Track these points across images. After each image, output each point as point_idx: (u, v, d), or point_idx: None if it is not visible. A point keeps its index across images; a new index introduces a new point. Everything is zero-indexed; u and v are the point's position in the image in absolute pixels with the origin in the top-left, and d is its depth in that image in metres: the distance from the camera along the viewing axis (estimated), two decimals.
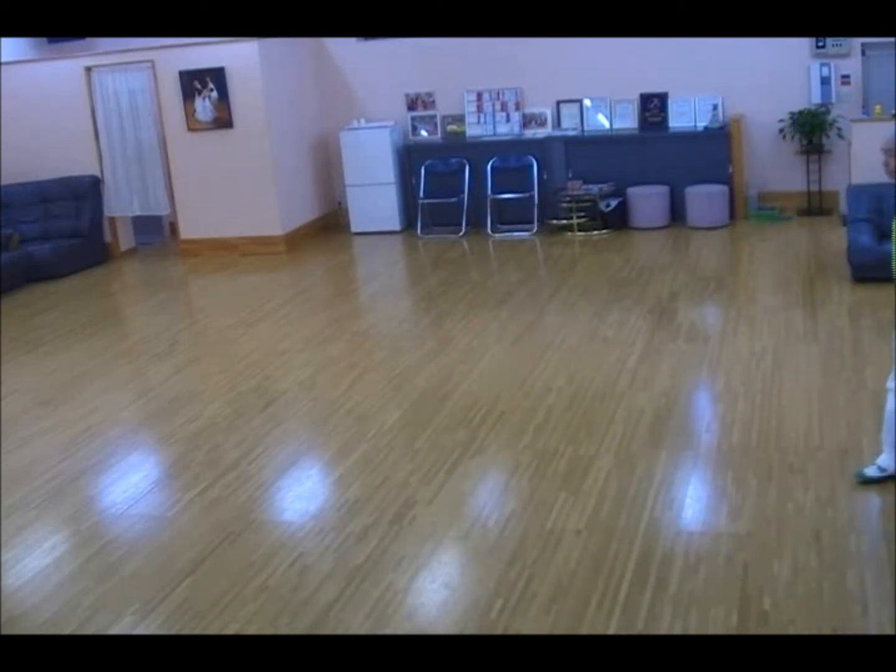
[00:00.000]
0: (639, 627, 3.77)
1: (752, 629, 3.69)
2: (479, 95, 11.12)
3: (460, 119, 11.25)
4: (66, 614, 4.19)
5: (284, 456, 5.60)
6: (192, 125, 10.68)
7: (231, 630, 3.98)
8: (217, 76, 10.46)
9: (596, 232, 10.30)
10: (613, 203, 10.32)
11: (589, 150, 10.67)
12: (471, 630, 3.85)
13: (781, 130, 10.17)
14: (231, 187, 10.74)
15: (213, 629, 4.00)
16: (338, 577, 4.28)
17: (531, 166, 10.76)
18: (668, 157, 10.38)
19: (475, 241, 10.64)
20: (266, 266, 10.37)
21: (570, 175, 10.57)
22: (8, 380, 7.26)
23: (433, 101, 11.32)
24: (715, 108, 10.38)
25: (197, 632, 3.99)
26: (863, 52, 9.99)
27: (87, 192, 10.98)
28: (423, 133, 11.42)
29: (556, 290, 8.45)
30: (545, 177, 10.72)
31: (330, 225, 11.68)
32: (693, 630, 3.72)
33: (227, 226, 10.88)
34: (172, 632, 4.01)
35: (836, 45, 10.04)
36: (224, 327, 8.23)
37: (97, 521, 5.04)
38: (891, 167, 4.50)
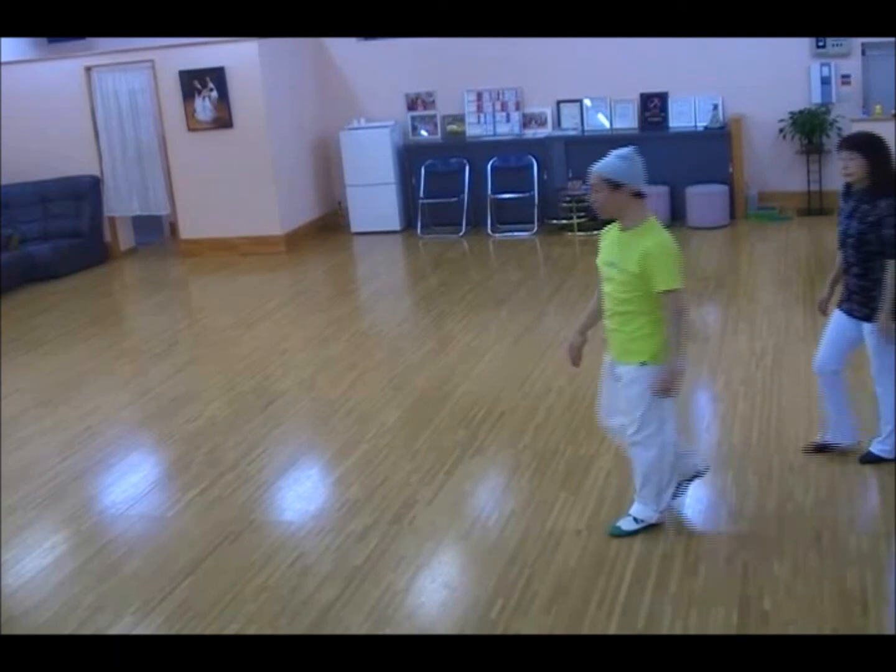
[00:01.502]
0: (639, 627, 3.77)
1: (752, 629, 3.69)
2: (479, 95, 11.12)
3: (460, 119, 11.25)
4: (66, 614, 4.19)
5: (284, 456, 5.60)
6: (192, 125, 10.68)
7: (231, 630, 3.98)
8: (217, 76, 10.46)
9: (596, 232, 10.25)
10: None
11: (589, 150, 10.59)
12: (471, 630, 3.85)
13: (781, 130, 10.17)
14: (231, 187, 10.73)
15: (213, 629, 4.00)
16: (338, 577, 4.28)
17: (531, 166, 10.76)
18: (668, 157, 10.36)
19: (475, 241, 10.63)
20: (266, 266, 10.37)
21: (570, 175, 10.57)
22: (8, 380, 7.25)
23: (433, 101, 11.31)
24: (715, 108, 10.37)
25: (197, 632, 3.99)
26: (863, 52, 9.99)
27: (87, 192, 10.98)
28: (423, 133, 11.42)
29: (556, 290, 8.44)
30: (545, 177, 10.72)
31: (330, 225, 11.67)
32: (693, 630, 3.72)
33: (227, 226, 10.87)
34: (172, 632, 4.01)
35: (836, 45, 10.04)
36: (224, 327, 8.23)
37: (97, 521, 5.04)
38: (613, 202, 4.12)
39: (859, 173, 4.55)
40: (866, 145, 4.57)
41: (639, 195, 4.15)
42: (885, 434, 4.82)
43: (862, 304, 4.66)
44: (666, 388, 4.14)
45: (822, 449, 5.00)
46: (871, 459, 4.83)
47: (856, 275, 4.67)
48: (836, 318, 4.85)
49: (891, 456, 4.80)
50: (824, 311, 5.03)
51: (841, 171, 4.62)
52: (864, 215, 4.55)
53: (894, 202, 4.49)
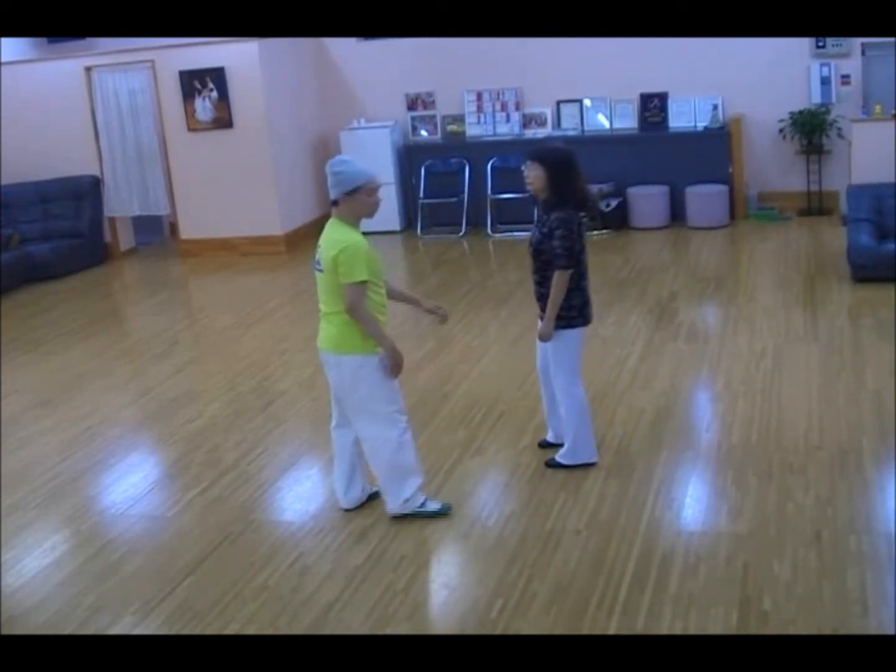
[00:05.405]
0: (639, 627, 3.77)
1: (752, 629, 3.69)
2: (479, 95, 11.11)
3: (460, 119, 11.25)
4: (66, 614, 4.19)
5: (284, 456, 5.60)
6: (192, 125, 10.68)
7: (231, 630, 3.98)
8: (217, 76, 10.46)
9: (596, 232, 10.28)
10: (613, 203, 10.31)
11: (589, 150, 10.62)
12: (471, 630, 3.85)
13: (781, 130, 10.17)
14: (231, 187, 10.73)
15: (213, 629, 4.00)
16: (338, 577, 4.28)
17: None
18: (668, 157, 10.38)
19: (475, 241, 10.63)
20: (266, 266, 10.36)
21: None
22: (8, 380, 7.25)
23: (433, 101, 11.31)
24: (715, 108, 10.37)
25: (197, 632, 3.99)
26: (863, 52, 9.98)
27: (87, 192, 10.97)
28: (423, 133, 11.42)
29: None
30: None
31: None
32: (693, 630, 3.72)
33: (227, 226, 10.87)
34: (172, 632, 4.01)
35: (836, 45, 10.04)
36: (224, 327, 8.23)
37: (97, 521, 5.04)
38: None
39: (538, 185, 4.78)
40: (547, 158, 4.78)
41: None
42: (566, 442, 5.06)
43: (543, 309, 4.92)
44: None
45: (547, 445, 5.24)
46: (552, 465, 5.07)
47: (536, 282, 4.96)
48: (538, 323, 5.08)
49: (571, 462, 5.01)
50: None
51: (526, 181, 4.83)
52: (542, 225, 4.82)
53: (563, 215, 4.72)
